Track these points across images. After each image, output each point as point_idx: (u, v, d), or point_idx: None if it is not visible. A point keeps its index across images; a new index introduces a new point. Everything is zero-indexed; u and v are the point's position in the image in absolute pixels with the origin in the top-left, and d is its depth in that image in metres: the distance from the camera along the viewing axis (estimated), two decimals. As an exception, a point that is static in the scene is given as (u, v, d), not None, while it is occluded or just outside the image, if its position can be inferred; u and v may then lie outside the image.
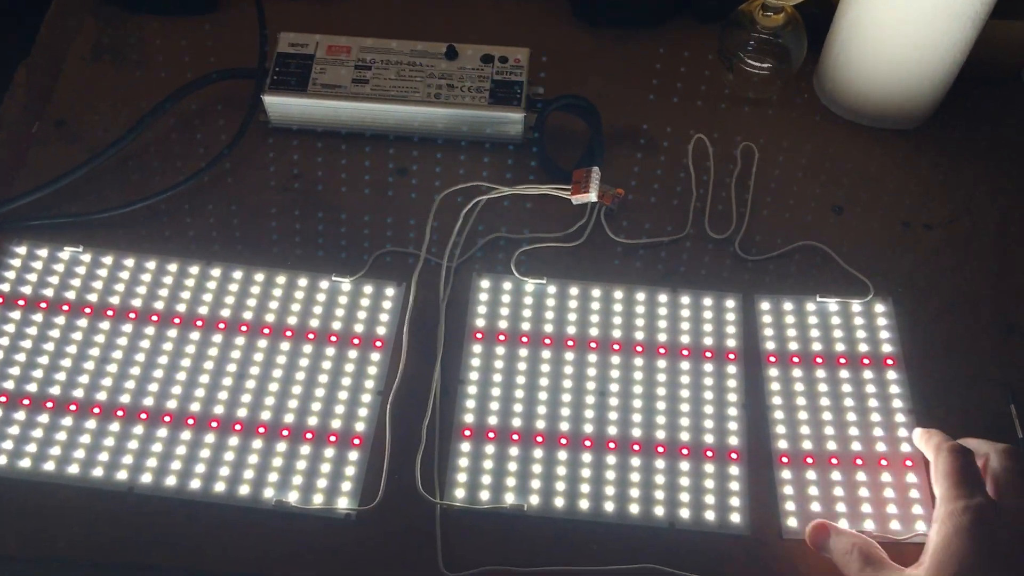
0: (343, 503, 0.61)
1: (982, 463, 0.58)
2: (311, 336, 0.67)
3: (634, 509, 0.61)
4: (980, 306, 0.69)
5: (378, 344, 0.67)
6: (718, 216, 0.73)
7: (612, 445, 0.63)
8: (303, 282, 0.70)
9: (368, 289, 0.70)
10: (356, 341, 0.67)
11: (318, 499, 0.61)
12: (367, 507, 0.61)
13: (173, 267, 0.70)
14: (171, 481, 0.62)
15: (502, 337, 0.68)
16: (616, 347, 0.67)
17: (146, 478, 0.62)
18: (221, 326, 0.68)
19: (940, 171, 0.76)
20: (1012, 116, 0.79)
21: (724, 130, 0.78)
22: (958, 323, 0.68)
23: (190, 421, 0.64)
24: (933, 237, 0.72)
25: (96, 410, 0.64)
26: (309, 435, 0.64)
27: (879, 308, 0.69)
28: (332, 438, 0.63)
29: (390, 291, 0.70)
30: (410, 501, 0.61)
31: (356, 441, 0.63)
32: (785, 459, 0.63)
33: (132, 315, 0.68)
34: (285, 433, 0.64)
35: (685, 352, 0.67)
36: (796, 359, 0.67)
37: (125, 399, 0.65)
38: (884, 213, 0.74)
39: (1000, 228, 0.73)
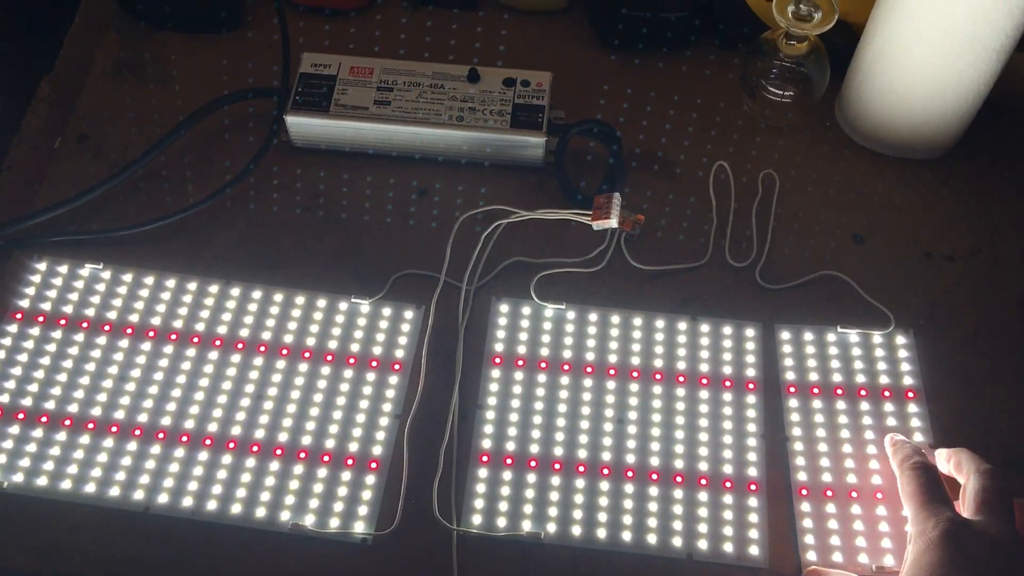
0: (359, 527, 0.61)
1: (964, 480, 0.58)
2: (329, 358, 0.67)
3: (652, 539, 0.60)
4: (1001, 338, 0.69)
5: (396, 367, 0.67)
6: (738, 244, 0.73)
7: (630, 474, 0.63)
8: (322, 303, 0.70)
9: (387, 311, 0.69)
10: (374, 364, 0.67)
11: (334, 523, 0.61)
12: (383, 532, 0.60)
13: (193, 286, 0.70)
14: (187, 502, 0.62)
15: (520, 362, 0.67)
16: (635, 374, 0.67)
17: (162, 498, 0.62)
18: (240, 346, 0.68)
19: (963, 202, 0.75)
20: (1036, 145, 0.79)
21: (745, 157, 0.78)
22: (979, 355, 0.68)
23: (207, 441, 0.64)
24: (955, 268, 0.72)
25: (114, 429, 0.64)
26: (326, 458, 0.63)
27: (900, 340, 0.68)
28: (349, 461, 0.63)
29: (409, 314, 0.69)
30: (427, 526, 0.61)
31: (373, 465, 0.63)
32: (804, 491, 0.63)
33: (151, 333, 0.68)
34: (302, 455, 0.63)
35: (704, 381, 0.67)
36: (816, 390, 0.66)
37: (143, 418, 0.65)
38: (906, 243, 0.73)
39: (1023, 260, 0.73)
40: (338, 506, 0.61)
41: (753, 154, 0.78)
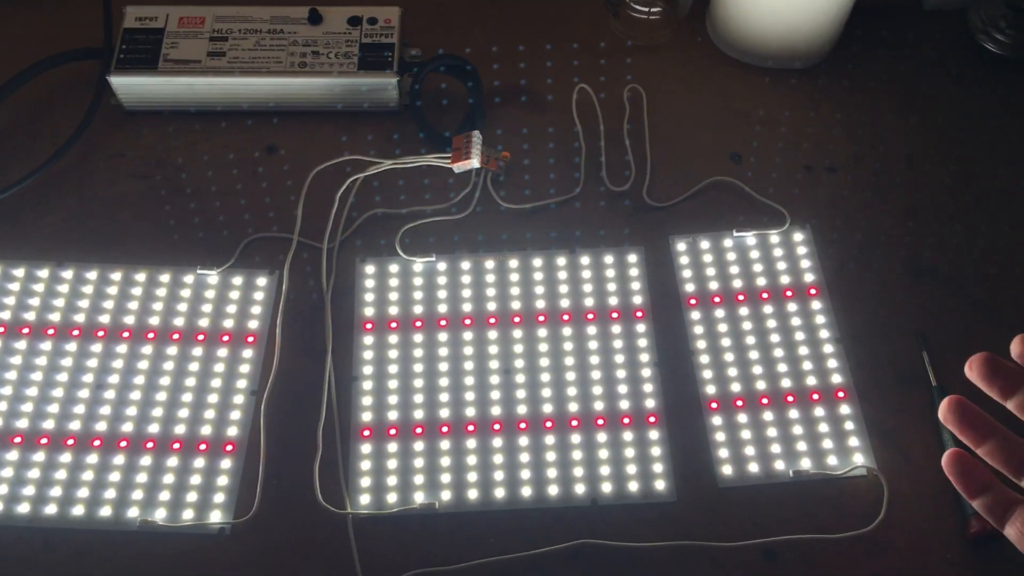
0: (216, 517, 0.56)
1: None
2: (175, 336, 0.62)
3: (553, 491, 0.58)
4: (889, 249, 0.66)
5: (250, 340, 0.62)
6: (614, 168, 0.69)
7: (523, 426, 0.60)
8: (165, 278, 0.64)
9: (237, 280, 0.65)
10: (226, 338, 0.62)
11: (188, 515, 0.56)
12: (242, 519, 0.56)
13: (19, 271, 0.64)
14: (23, 508, 0.56)
15: (394, 324, 0.63)
16: (517, 320, 0.63)
17: (-6, 507, 0.56)
18: (75, 333, 0.62)
19: (841, 109, 0.72)
20: (914, 46, 0.75)
21: (615, 80, 0.73)
22: (867, 268, 0.65)
23: (43, 440, 0.58)
24: (837, 180, 0.69)
25: (-63, 436, 0.58)
26: (176, 445, 0.59)
27: (798, 236, 0.66)
28: (202, 446, 0.59)
29: (262, 281, 0.65)
30: (297, 509, 0.57)
31: (229, 448, 0.59)
32: (714, 405, 0.60)
33: (-25, 328, 0.62)
34: (149, 445, 0.59)
35: (590, 316, 0.63)
36: (717, 299, 0.64)
37: (-32, 422, 0.59)
38: (784, 157, 0.70)
39: (908, 165, 0.70)
40: (191, 496, 0.57)
41: (624, 76, 0.74)
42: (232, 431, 0.59)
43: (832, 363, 0.61)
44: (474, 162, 0.65)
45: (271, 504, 0.57)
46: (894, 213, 0.67)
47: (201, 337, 0.62)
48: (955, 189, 0.68)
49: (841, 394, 0.60)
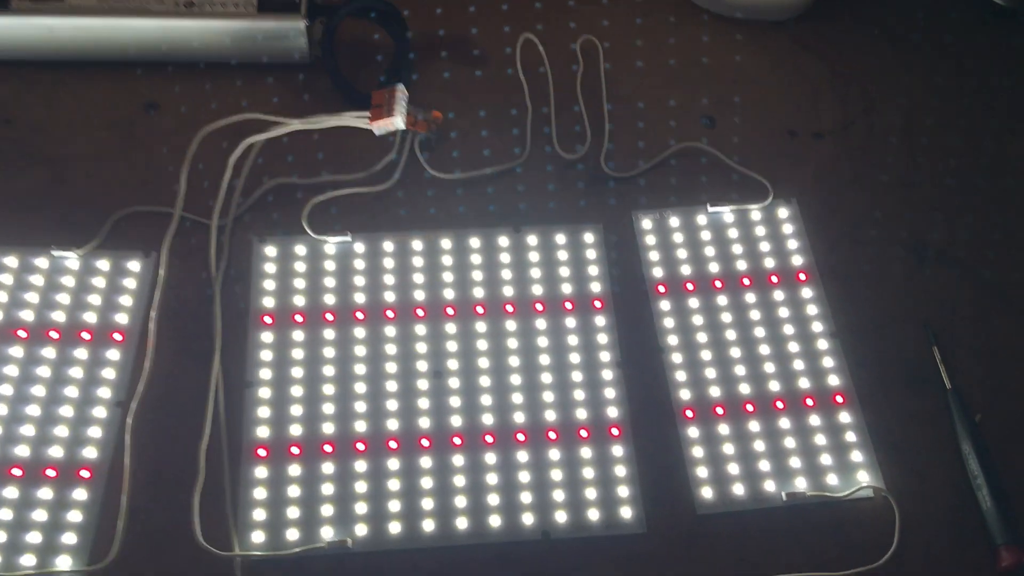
0: (65, 563, 0.48)
1: None
2: (22, 334, 0.55)
3: (495, 522, 0.52)
4: (890, 227, 0.62)
5: (117, 337, 0.55)
6: (565, 133, 0.64)
7: (458, 441, 0.54)
8: (12, 261, 0.57)
9: (103, 264, 0.58)
10: (86, 335, 0.56)
11: (28, 561, 0.48)
12: (99, 565, 0.48)
13: None
14: None
15: (299, 318, 0.57)
16: (450, 312, 0.58)
17: None
18: None
19: (827, 67, 0.69)
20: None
21: (564, 31, 0.68)
22: (864, 249, 0.61)
23: None
24: (826, 147, 0.65)
25: None
26: (16, 471, 0.50)
27: (782, 212, 0.62)
28: (50, 472, 0.51)
29: (134, 265, 0.58)
30: (170, 550, 0.49)
31: (85, 473, 0.51)
32: (690, 413, 0.55)
33: None
34: (-18, 472, 0.49)
35: (539, 306, 0.58)
36: (691, 286, 0.59)
37: None
38: (765, 122, 0.66)
39: (904, 130, 0.65)
40: (33, 537, 0.49)
41: (578, 26, 0.69)
42: (90, 453, 0.52)
43: (828, 362, 0.57)
44: (398, 121, 0.58)
45: (137, 545, 0.49)
46: (894, 185, 0.63)
47: (54, 335, 0.55)
48: (963, 158, 0.64)
49: (840, 399, 0.56)
